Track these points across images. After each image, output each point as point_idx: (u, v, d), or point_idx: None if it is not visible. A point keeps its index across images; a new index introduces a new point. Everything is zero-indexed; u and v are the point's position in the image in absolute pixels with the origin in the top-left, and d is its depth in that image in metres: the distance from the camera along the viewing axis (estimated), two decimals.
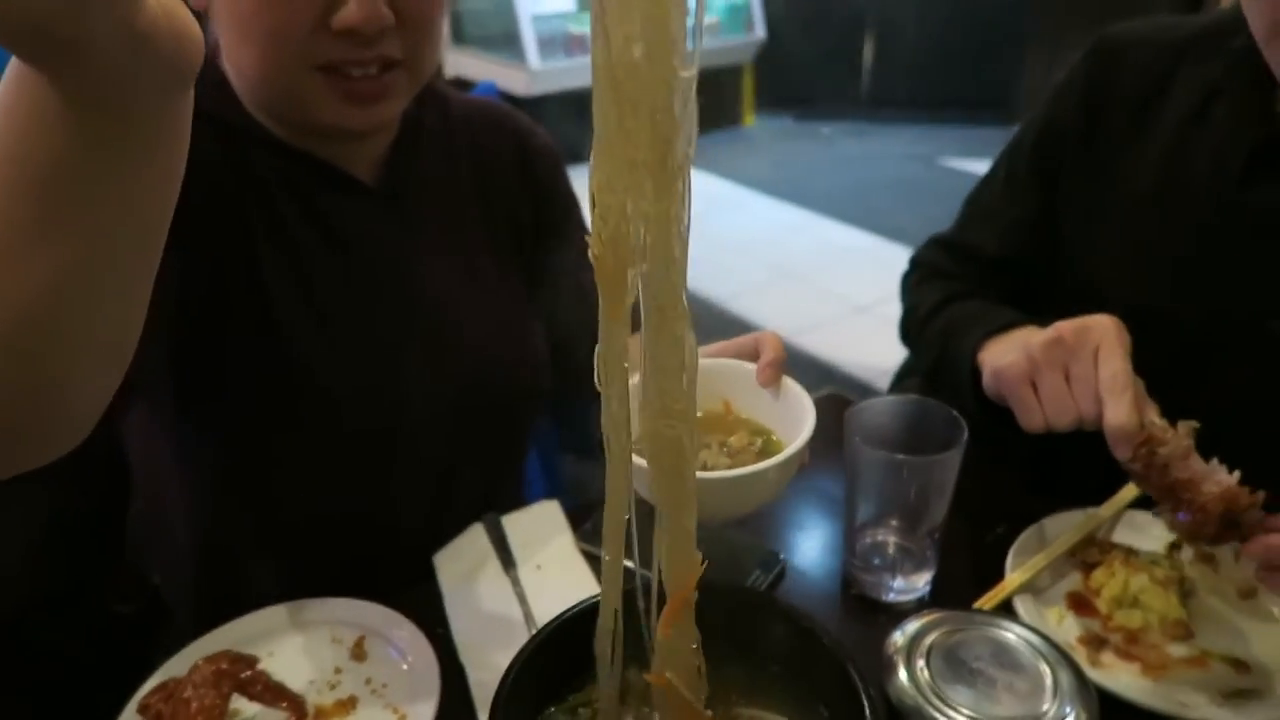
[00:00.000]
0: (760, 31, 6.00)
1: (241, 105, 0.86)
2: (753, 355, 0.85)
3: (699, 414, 0.83)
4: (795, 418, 0.78)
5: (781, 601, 0.72)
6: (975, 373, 0.95)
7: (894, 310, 1.24)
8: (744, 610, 0.70)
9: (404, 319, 0.94)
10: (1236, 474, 0.76)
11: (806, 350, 3.41)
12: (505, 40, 5.37)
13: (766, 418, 0.84)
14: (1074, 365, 0.82)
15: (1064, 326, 0.85)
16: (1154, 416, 0.79)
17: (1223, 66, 0.94)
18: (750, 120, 6.43)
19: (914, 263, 1.25)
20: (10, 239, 0.43)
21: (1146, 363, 0.82)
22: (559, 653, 0.64)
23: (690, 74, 0.38)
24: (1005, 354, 0.89)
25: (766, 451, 0.81)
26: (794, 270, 4.22)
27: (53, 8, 0.34)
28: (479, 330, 0.99)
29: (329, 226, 0.90)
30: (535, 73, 5.17)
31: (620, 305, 0.44)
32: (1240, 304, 0.94)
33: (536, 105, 5.20)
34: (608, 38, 0.37)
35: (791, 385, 0.82)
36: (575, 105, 5.41)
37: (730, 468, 0.75)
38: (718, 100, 6.23)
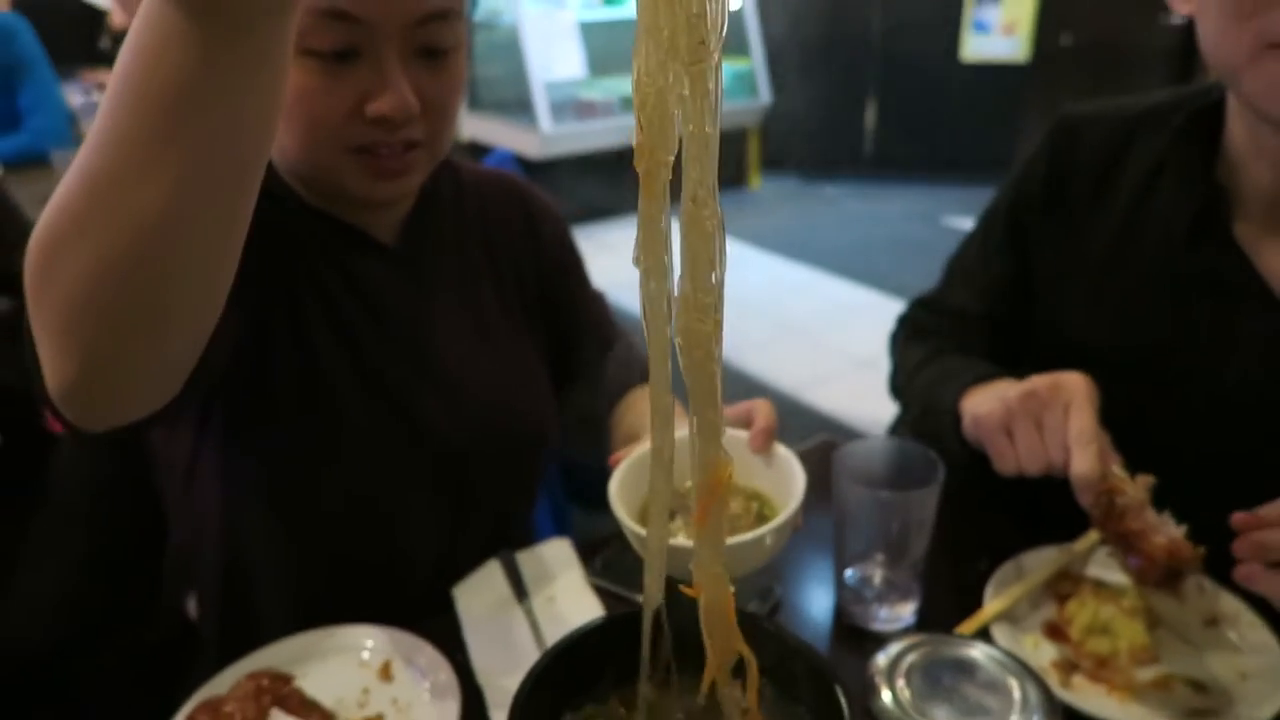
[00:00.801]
0: (766, 96, 6.19)
1: (278, 173, 0.95)
2: (745, 423, 0.93)
3: (690, 484, 0.91)
4: (787, 482, 0.85)
5: (769, 621, 0.79)
6: (957, 420, 1.03)
7: None
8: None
9: (420, 368, 1.02)
10: (1184, 528, 0.85)
11: (809, 404, 3.48)
12: (518, 105, 5.57)
13: (760, 482, 0.90)
14: (1046, 417, 0.90)
15: (1039, 381, 0.92)
16: (1116, 468, 0.87)
17: (1167, 140, 1.03)
18: (756, 183, 6.59)
19: (901, 321, 1.34)
20: (129, 156, 0.49)
21: (1109, 414, 0.90)
22: (573, 665, 0.71)
23: None
24: (984, 403, 0.96)
25: (763, 516, 0.88)
26: (798, 326, 4.31)
27: None
28: (489, 381, 1.07)
29: (356, 283, 0.99)
30: (547, 136, 5.34)
31: (656, 183, 0.48)
32: (1193, 358, 1.02)
33: (548, 167, 5.38)
34: None
35: (782, 451, 0.89)
36: (584, 167, 5.59)
37: (730, 533, 0.81)
38: (724, 162, 6.33)
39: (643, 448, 0.91)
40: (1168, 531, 0.84)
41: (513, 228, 1.15)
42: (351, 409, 0.96)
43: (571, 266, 1.22)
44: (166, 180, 0.49)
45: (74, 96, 3.26)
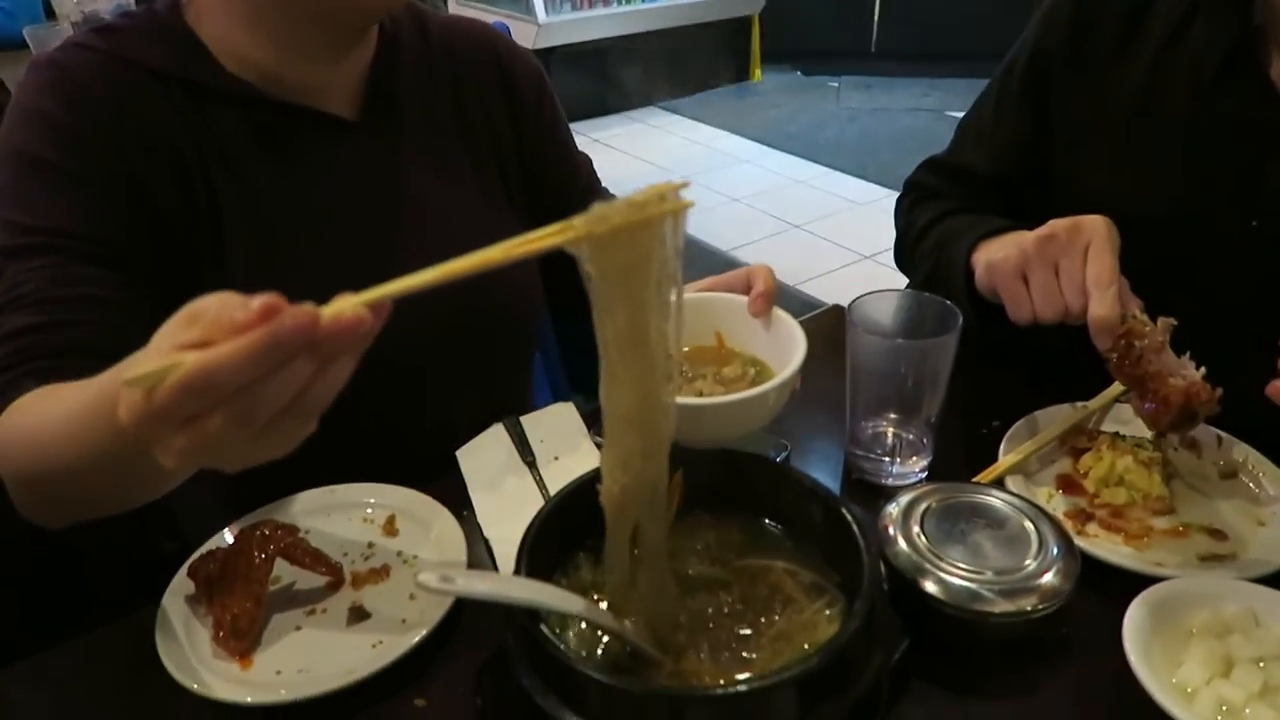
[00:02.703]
0: None
1: (217, 64, 0.88)
2: (744, 288, 0.88)
3: (689, 348, 0.88)
4: (787, 347, 0.81)
5: (781, 464, 0.77)
6: (969, 276, 0.99)
7: None
8: (742, 471, 0.76)
9: (392, 245, 0.97)
10: (1202, 370, 0.82)
11: (812, 298, 3.44)
12: None
13: (759, 349, 0.86)
14: (1064, 261, 0.86)
15: (1057, 224, 0.88)
16: (1136, 311, 0.84)
17: None
18: (758, 75, 6.40)
19: (908, 185, 1.29)
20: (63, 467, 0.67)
21: (1132, 266, 0.86)
22: (579, 510, 0.69)
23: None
24: (999, 250, 0.93)
25: (760, 381, 0.85)
26: (801, 221, 4.23)
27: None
28: (464, 251, 1.02)
29: (309, 169, 0.92)
30: (542, 26, 5.15)
31: (623, 535, 0.61)
32: (1219, 206, 0.98)
33: (543, 58, 5.19)
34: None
35: (782, 316, 0.84)
36: (581, 59, 5.41)
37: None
38: (726, 55, 6.19)
39: None
40: (1186, 374, 0.82)
41: (486, 85, 1.06)
42: (328, 295, 0.92)
43: (553, 124, 1.13)
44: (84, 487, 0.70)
45: None
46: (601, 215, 0.47)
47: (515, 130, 1.08)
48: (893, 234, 1.29)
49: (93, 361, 0.76)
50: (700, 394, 0.81)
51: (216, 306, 0.46)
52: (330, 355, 0.48)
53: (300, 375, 0.47)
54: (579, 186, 1.16)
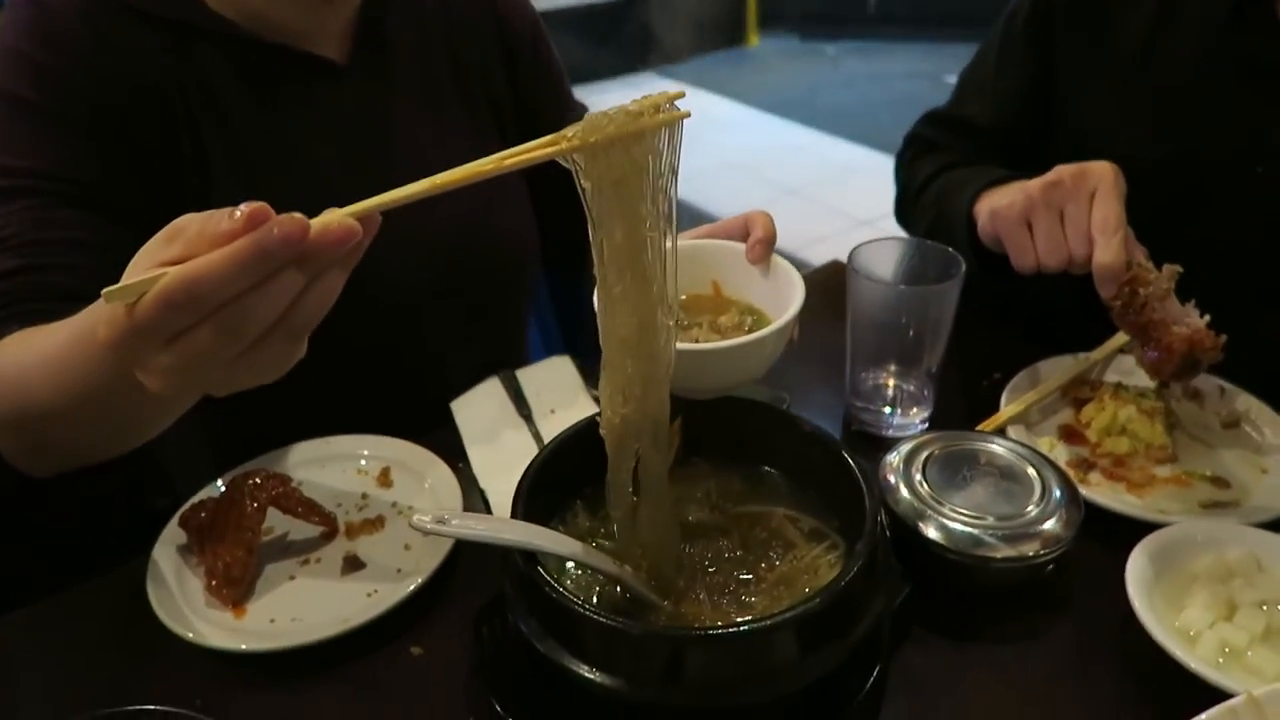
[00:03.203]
0: None
1: (200, 3, 0.85)
2: (741, 235, 0.84)
3: (684, 296, 0.86)
4: (785, 295, 0.77)
5: (780, 409, 0.76)
6: (971, 226, 0.98)
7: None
8: (741, 418, 0.74)
9: (383, 191, 0.94)
10: (1206, 318, 0.81)
11: (810, 262, 3.42)
12: None
13: (756, 297, 0.83)
14: (1069, 206, 0.85)
15: (1063, 170, 0.86)
16: (1141, 258, 0.82)
17: None
18: (754, 40, 6.32)
19: (908, 139, 1.27)
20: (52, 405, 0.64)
21: (1136, 213, 0.85)
22: (577, 456, 0.68)
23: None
24: (1003, 198, 0.91)
25: (757, 329, 0.82)
26: (798, 188, 4.20)
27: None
28: (457, 199, 0.99)
29: (298, 113, 0.90)
30: None
31: (624, 469, 0.61)
32: (1226, 150, 0.96)
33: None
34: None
35: (780, 263, 0.81)
36: (576, 23, 5.33)
37: None
38: (722, 20, 6.12)
39: None
40: (1190, 321, 0.80)
41: (480, 29, 1.04)
42: None
43: (548, 70, 1.11)
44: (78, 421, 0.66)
45: None
46: (596, 124, 0.46)
47: (510, 75, 1.06)
48: (891, 199, 1.27)
49: (75, 305, 0.74)
50: (697, 342, 0.79)
51: (200, 220, 0.45)
52: (320, 268, 0.46)
53: (289, 288, 0.45)
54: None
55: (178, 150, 0.84)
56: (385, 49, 0.95)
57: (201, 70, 0.85)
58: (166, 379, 0.48)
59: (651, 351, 0.54)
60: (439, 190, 0.46)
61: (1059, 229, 0.85)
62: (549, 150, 0.46)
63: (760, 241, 0.81)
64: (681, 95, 0.47)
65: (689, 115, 0.48)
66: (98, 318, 0.47)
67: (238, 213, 0.43)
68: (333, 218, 0.46)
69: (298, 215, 0.44)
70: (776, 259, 0.82)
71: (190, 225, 0.45)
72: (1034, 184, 0.87)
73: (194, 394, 0.57)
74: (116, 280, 0.49)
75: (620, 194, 0.48)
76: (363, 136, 0.94)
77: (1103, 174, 0.85)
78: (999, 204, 0.89)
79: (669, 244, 0.51)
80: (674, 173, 0.49)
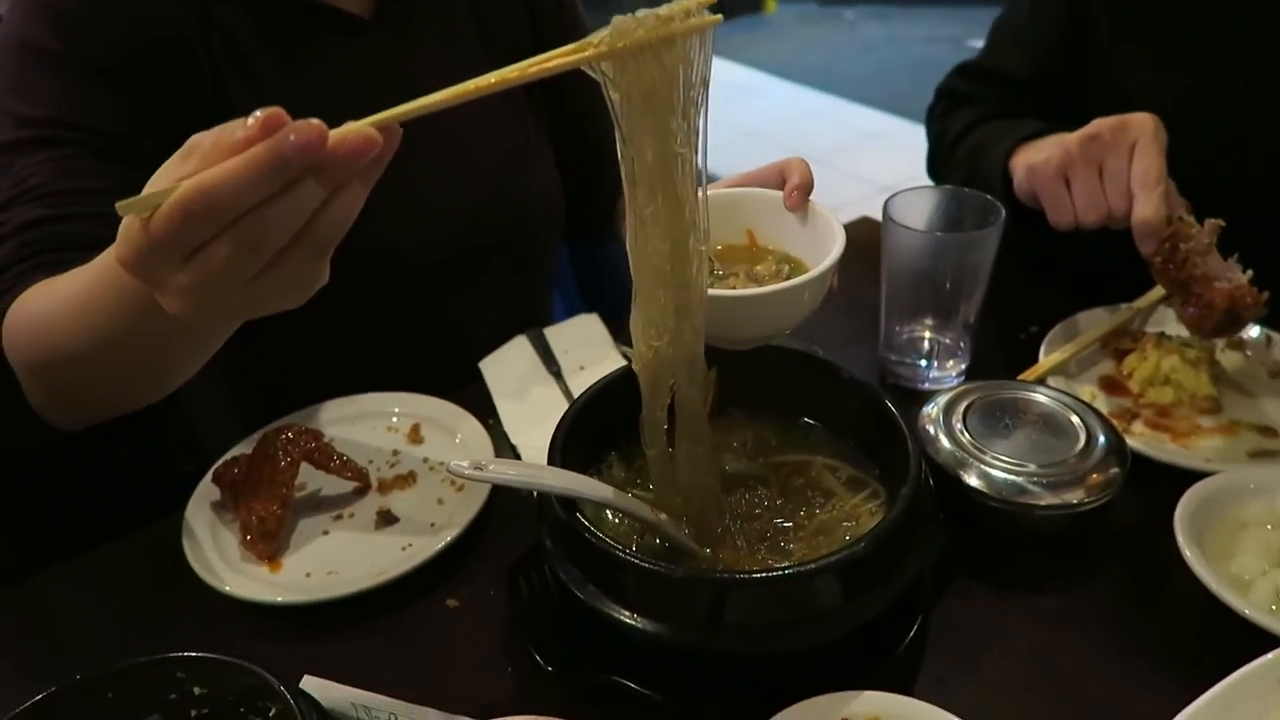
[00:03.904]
0: None
1: None
2: (778, 183, 0.81)
3: (720, 246, 0.84)
4: (824, 241, 0.73)
5: (817, 357, 0.74)
6: (1008, 180, 0.95)
7: None
8: (778, 367, 0.73)
9: (407, 148, 0.93)
10: (1249, 274, 0.79)
11: None
12: None
13: (793, 245, 0.80)
14: (1109, 160, 0.82)
15: (1103, 123, 0.84)
16: (1183, 213, 0.80)
17: None
18: (773, 7, 6.23)
19: (939, 92, 1.24)
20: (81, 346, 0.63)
21: (1177, 165, 0.82)
22: (611, 408, 0.67)
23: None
24: (1040, 151, 0.88)
25: (795, 277, 0.80)
26: (818, 155, 4.14)
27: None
28: (485, 159, 0.98)
29: (321, 67, 0.88)
30: None
31: (659, 406, 0.60)
32: (1267, 99, 0.93)
33: None
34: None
35: (819, 210, 0.78)
36: None
37: None
38: None
39: None
40: (1233, 277, 0.79)
41: None
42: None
43: (573, 26, 1.08)
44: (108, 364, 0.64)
45: None
46: (624, 29, 0.44)
47: (534, 31, 1.04)
48: (911, 164, 1.24)
49: (99, 254, 0.74)
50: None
51: (215, 133, 0.43)
52: (339, 179, 0.45)
53: (309, 199, 0.44)
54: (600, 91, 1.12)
55: (201, 102, 0.83)
56: (409, 3, 0.93)
57: (225, 22, 0.84)
58: (185, 299, 0.46)
59: (684, 279, 0.53)
60: (461, 99, 0.44)
61: (1098, 184, 0.82)
62: (575, 58, 0.45)
63: (798, 188, 0.78)
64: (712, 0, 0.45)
65: (720, 19, 0.46)
66: (114, 266, 0.46)
67: (251, 120, 0.42)
68: (353, 127, 0.45)
69: (315, 121, 0.43)
70: (815, 206, 0.79)
71: (205, 139, 0.44)
72: (1071, 138, 0.84)
73: (217, 319, 0.55)
74: None
75: (650, 105, 0.47)
76: (386, 90, 0.92)
77: (1143, 126, 0.82)
78: (1035, 159, 0.86)
79: (700, 161, 0.50)
80: (705, 85, 0.47)
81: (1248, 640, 0.59)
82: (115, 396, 0.72)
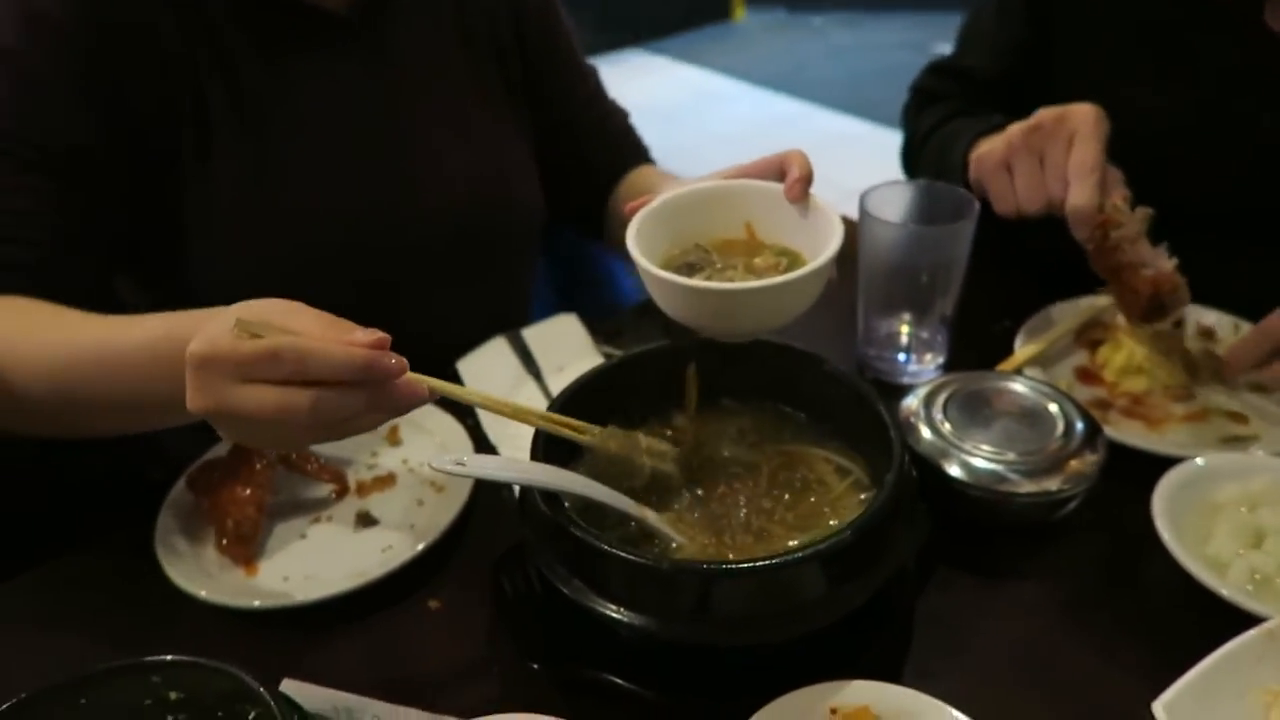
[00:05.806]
0: None
1: None
2: (776, 176, 0.79)
3: (717, 241, 0.83)
4: (823, 234, 0.72)
5: (803, 350, 0.75)
6: (966, 172, 0.96)
7: None
8: (765, 359, 0.73)
9: (388, 148, 0.92)
10: (1174, 261, 0.81)
11: None
12: None
13: (792, 238, 0.78)
14: (1049, 150, 0.83)
15: (1044, 114, 0.85)
16: (1118, 201, 0.81)
17: None
18: (741, 14, 6.27)
19: (913, 90, 1.25)
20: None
21: (1138, 162, 0.84)
22: (592, 404, 0.67)
23: None
24: (986, 144, 0.90)
25: (793, 270, 0.80)
26: None
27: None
28: (465, 164, 0.98)
29: (302, 67, 0.88)
30: None
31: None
32: (1233, 100, 0.95)
33: None
34: None
35: (819, 202, 0.76)
36: None
37: None
38: None
39: (661, 197, 0.82)
40: (1158, 264, 0.81)
41: None
42: (321, 196, 0.89)
43: (556, 32, 1.08)
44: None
45: None
46: None
47: (517, 34, 1.04)
48: (880, 168, 1.25)
49: (17, 278, 0.74)
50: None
51: (332, 317, 0.55)
52: (381, 404, 0.55)
53: (355, 404, 0.53)
54: (583, 97, 1.11)
55: (178, 107, 0.82)
56: (391, 5, 0.93)
57: (207, 24, 0.83)
58: (210, 405, 0.54)
59: None
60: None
61: (1038, 172, 0.83)
62: None
63: (799, 180, 0.76)
64: None
65: None
66: (180, 332, 0.56)
67: (365, 333, 0.54)
68: (417, 377, 0.56)
69: (402, 358, 0.54)
70: (815, 198, 0.76)
71: (320, 315, 0.55)
72: (1014, 128, 0.85)
73: (216, 425, 0.59)
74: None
75: None
76: (368, 93, 0.91)
77: (1084, 117, 0.83)
78: (981, 151, 0.88)
79: None
80: None
81: (1226, 620, 0.59)
82: (79, 430, 0.77)
